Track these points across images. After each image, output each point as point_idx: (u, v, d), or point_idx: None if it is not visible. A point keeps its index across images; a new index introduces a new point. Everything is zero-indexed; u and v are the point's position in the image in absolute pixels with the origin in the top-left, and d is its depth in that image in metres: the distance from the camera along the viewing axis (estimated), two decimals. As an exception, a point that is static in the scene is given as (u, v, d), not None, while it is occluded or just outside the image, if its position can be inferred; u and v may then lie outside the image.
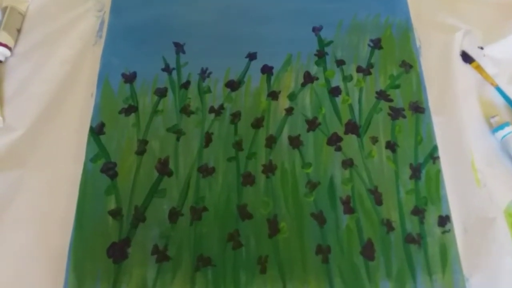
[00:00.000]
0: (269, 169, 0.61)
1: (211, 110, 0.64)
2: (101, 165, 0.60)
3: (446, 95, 0.68)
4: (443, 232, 0.57)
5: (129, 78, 0.66)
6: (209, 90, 0.66)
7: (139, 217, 0.57)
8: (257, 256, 0.55)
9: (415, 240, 0.57)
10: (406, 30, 0.72)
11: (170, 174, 0.60)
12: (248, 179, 0.60)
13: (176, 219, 0.57)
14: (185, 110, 0.64)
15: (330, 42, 0.71)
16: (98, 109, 0.64)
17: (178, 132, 0.62)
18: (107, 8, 0.72)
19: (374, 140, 0.63)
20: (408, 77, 0.68)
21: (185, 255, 0.55)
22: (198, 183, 0.59)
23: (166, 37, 0.70)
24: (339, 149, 0.62)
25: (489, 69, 0.70)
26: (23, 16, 0.71)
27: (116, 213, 0.57)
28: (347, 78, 0.68)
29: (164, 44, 0.69)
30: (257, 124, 0.63)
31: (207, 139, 0.62)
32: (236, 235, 0.56)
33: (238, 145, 0.62)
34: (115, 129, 0.62)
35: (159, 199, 0.58)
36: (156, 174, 0.60)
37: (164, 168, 0.60)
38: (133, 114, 0.63)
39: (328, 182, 0.60)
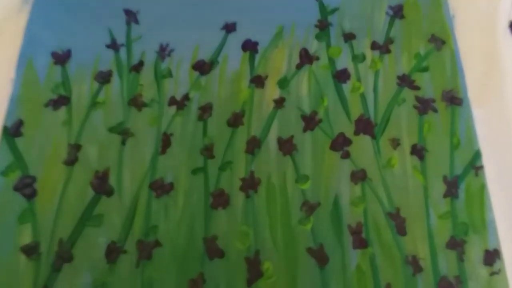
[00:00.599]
0: (250, 184, 0.44)
1: (172, 101, 0.47)
2: (16, 180, 0.42)
3: (490, 80, 0.51)
4: (491, 274, 0.42)
5: (61, 59, 0.49)
6: (169, 74, 0.49)
7: (65, 255, 0.41)
8: (231, 313, 0.39)
9: (452, 285, 0.41)
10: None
11: (110, 192, 0.43)
12: (220, 200, 0.43)
13: (117, 258, 0.41)
14: (135, 102, 0.47)
15: (336, 9, 0.54)
16: (16, 101, 0.47)
17: (124, 133, 0.45)
18: (38, -37, 0.53)
19: (395, 143, 0.46)
20: (440, 56, 0.51)
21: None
22: (150, 206, 0.43)
23: (114, 2, 0.52)
24: (347, 155, 0.45)
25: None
26: None
27: (32, 250, 0.41)
28: (358, 58, 0.51)
29: (110, 11, 0.52)
30: (235, 121, 0.46)
31: (165, 142, 0.45)
32: (201, 281, 0.40)
33: (207, 151, 0.45)
34: (37, 129, 0.46)
35: (93, 229, 0.42)
36: (91, 192, 0.42)
37: (102, 185, 0.43)
38: (63, 108, 0.46)
39: (331, 203, 0.44)
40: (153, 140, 0.46)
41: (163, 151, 0.45)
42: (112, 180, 0.44)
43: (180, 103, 0.48)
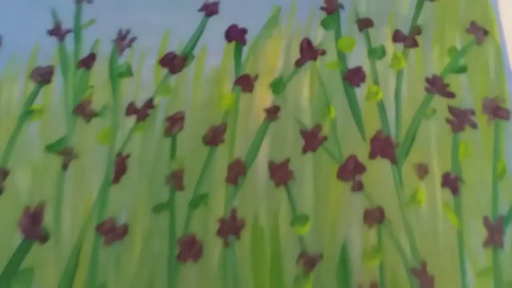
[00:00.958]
0: (230, 227, 0.33)
1: (131, 110, 0.36)
2: None
3: (546, 84, 0.38)
4: None
5: (-15, 49, 0.36)
6: (129, 72, 0.37)
7: (-18, 324, 0.29)
8: None
9: None
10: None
11: (45, 237, 0.32)
12: (190, 249, 0.32)
13: (51, 330, 0.30)
14: (82, 110, 0.35)
15: (348, -15, 0.40)
16: None
17: (66, 153, 0.34)
18: None
19: (422, 170, 0.35)
20: (482, 51, 0.40)
21: None
22: (96, 256, 0.32)
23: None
24: (359, 187, 0.34)
25: None
26: None
27: None
28: (376, 53, 0.39)
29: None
30: (214, 138, 0.35)
31: (119, 167, 0.34)
32: None
33: (175, 180, 0.34)
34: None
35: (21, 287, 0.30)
36: (19, 237, 0.31)
37: (34, 226, 0.32)
38: (-15, 118, 0.34)
39: (338, 255, 0.33)
40: (104, 164, 0.34)
41: (116, 179, 0.34)
42: (47, 220, 0.33)
43: (142, 112, 0.36)
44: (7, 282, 0.32)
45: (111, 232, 0.33)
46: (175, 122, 0.36)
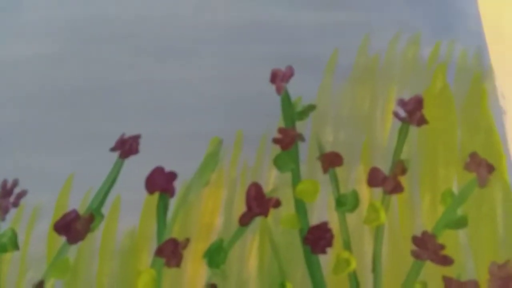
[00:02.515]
0: None
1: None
2: None
3: None
4: None
5: None
6: (14, 243, 0.26)
7: None
8: None
9: None
10: (478, 76, 0.34)
11: None
12: None
13: None
14: None
15: (311, 107, 0.32)
16: None
17: None
18: None
19: None
20: (487, 196, 0.30)
21: None
22: None
23: None
24: None
25: None
26: None
27: None
28: (346, 202, 0.29)
29: None
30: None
31: None
32: None
33: None
34: None
35: None
36: None
37: None
38: None
39: None
40: None
41: None
42: None
43: (27, 304, 0.26)
44: None
45: None
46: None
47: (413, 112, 0.33)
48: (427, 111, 0.33)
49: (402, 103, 0.33)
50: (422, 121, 0.32)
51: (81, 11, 0.36)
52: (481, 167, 0.31)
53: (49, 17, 0.36)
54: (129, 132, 0.31)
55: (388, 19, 0.36)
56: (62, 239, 0.29)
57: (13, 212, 0.29)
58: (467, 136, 0.33)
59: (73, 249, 0.28)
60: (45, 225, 0.29)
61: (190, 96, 0.33)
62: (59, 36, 0.35)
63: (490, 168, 0.31)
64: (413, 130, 0.32)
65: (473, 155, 0.32)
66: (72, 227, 0.28)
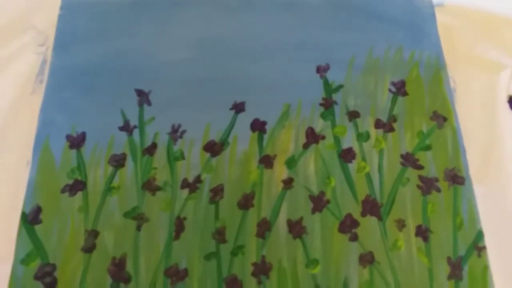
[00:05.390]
0: (261, 269, 0.45)
1: (184, 184, 0.48)
2: (36, 269, 0.44)
3: (491, 157, 0.53)
4: None
5: (76, 142, 0.50)
6: (182, 156, 0.50)
7: None
8: None
9: None
10: (437, 69, 0.56)
11: (128, 280, 0.44)
12: (233, 286, 0.44)
13: None
14: (149, 186, 0.48)
15: (340, 86, 0.55)
16: (34, 186, 0.48)
17: (139, 218, 0.47)
18: (51, 42, 0.55)
19: (401, 224, 0.48)
20: (442, 134, 0.53)
21: None
22: (165, 293, 0.43)
23: (126, 82, 0.53)
24: (355, 238, 0.47)
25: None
26: None
27: None
28: (362, 137, 0.52)
29: (123, 92, 0.53)
30: (245, 203, 0.48)
31: (178, 227, 0.46)
32: None
33: (219, 235, 0.46)
34: (55, 215, 0.47)
35: None
36: (109, 280, 0.44)
37: (119, 272, 0.44)
38: (80, 194, 0.47)
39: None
40: (167, 225, 0.47)
41: (177, 236, 0.47)
42: (129, 267, 0.45)
43: (193, 186, 0.49)
44: (102, 314, 0.44)
45: (175, 275, 0.45)
46: (217, 192, 0.49)
47: (399, 88, 0.56)
48: (408, 88, 0.56)
49: (393, 83, 0.57)
50: (405, 94, 0.56)
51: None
52: (439, 118, 0.55)
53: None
54: (239, 100, 0.55)
55: (384, 38, 0.60)
56: (207, 154, 0.52)
57: (179, 141, 0.52)
58: (431, 102, 0.56)
59: (214, 160, 0.52)
60: (198, 147, 0.52)
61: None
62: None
63: (444, 119, 0.55)
64: (400, 98, 0.56)
65: (435, 112, 0.55)
66: (213, 148, 0.52)
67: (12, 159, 0.50)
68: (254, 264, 0.46)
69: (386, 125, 0.53)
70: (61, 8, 0.58)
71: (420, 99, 0.55)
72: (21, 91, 0.54)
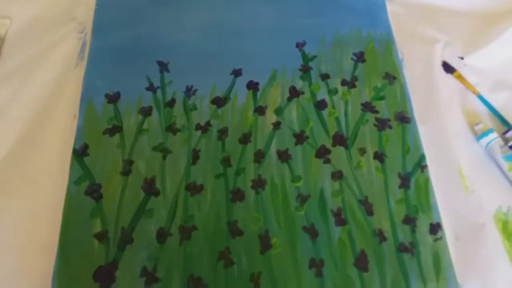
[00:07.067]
0: (258, 184, 0.60)
1: (198, 127, 0.64)
2: (85, 188, 0.58)
3: (430, 104, 0.69)
4: (435, 240, 0.58)
5: (113, 98, 0.65)
6: (195, 108, 0.65)
7: (126, 239, 0.55)
8: (250, 273, 0.54)
9: (407, 249, 0.57)
10: (388, 43, 0.73)
11: (157, 193, 0.58)
12: (237, 195, 0.59)
13: (165, 240, 0.56)
14: (171, 129, 0.63)
15: (314, 57, 0.71)
16: (81, 130, 0.62)
17: (164, 151, 0.61)
18: (89, 30, 0.71)
19: (362, 151, 0.63)
20: (392, 88, 0.69)
21: (175, 276, 0.54)
22: (187, 201, 0.58)
23: (150, 56, 0.69)
24: (327, 161, 0.62)
25: (471, 79, 0.72)
26: (2, 39, 0.70)
27: (102, 236, 0.55)
28: (332, 92, 0.68)
29: (147, 63, 0.69)
30: (245, 139, 0.63)
31: (194, 156, 0.61)
32: (227, 252, 0.55)
33: (226, 162, 0.61)
34: (99, 150, 0.61)
35: (146, 219, 0.57)
36: (142, 194, 0.58)
37: (150, 188, 0.59)
38: (117, 135, 0.62)
39: (318, 195, 0.60)
40: (186, 155, 0.62)
41: (194, 163, 0.61)
42: (157, 184, 0.60)
43: (204, 128, 0.64)
44: (138, 217, 0.58)
45: (193, 189, 0.60)
46: (223, 132, 0.64)
47: (359, 57, 0.72)
48: (366, 57, 0.73)
49: (354, 54, 0.73)
50: (363, 61, 0.72)
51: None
52: (390, 77, 0.71)
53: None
54: (237, 67, 0.71)
55: (347, 22, 0.76)
56: (214, 106, 0.68)
57: (192, 97, 0.68)
58: (383, 66, 0.72)
59: (220, 110, 0.67)
60: (207, 101, 0.67)
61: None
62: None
63: (394, 78, 0.71)
64: (360, 64, 0.72)
65: (387, 73, 0.71)
66: (218, 101, 0.68)
67: (63, 114, 0.65)
68: (253, 181, 0.61)
69: (350, 83, 0.69)
70: (97, 3, 0.74)
71: (375, 64, 0.71)
72: (67, 65, 0.69)
